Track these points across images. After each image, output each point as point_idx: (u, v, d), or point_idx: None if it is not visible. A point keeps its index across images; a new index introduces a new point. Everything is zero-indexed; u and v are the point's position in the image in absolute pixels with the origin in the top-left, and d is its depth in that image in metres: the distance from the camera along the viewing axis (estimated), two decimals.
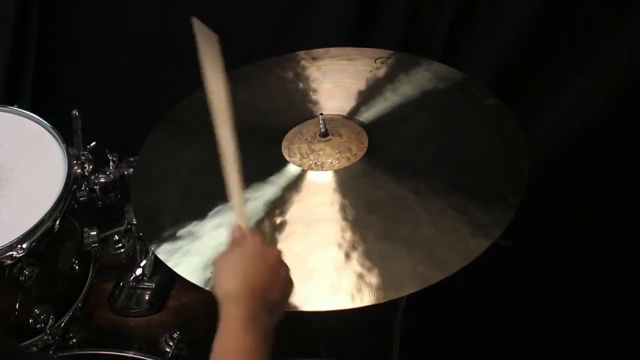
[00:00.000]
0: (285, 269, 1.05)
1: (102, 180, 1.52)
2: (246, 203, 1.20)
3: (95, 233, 1.50)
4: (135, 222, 1.54)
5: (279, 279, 1.03)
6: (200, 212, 1.29)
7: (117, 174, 1.53)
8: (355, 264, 1.16)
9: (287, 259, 1.18)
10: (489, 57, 1.80)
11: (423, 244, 1.18)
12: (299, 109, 1.47)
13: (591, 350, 1.84)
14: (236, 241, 1.06)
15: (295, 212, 1.26)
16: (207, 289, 1.18)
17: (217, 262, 1.03)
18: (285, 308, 1.05)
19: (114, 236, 1.69)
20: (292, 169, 1.33)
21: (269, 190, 1.30)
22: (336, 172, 1.32)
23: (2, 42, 1.95)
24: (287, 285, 1.05)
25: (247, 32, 1.95)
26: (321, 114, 1.37)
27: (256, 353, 0.92)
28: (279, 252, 1.05)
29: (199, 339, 1.54)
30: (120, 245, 1.69)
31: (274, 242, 1.20)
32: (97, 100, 2.01)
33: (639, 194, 1.79)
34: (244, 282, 0.98)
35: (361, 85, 1.50)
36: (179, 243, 1.25)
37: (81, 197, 1.49)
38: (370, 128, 1.39)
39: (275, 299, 1.00)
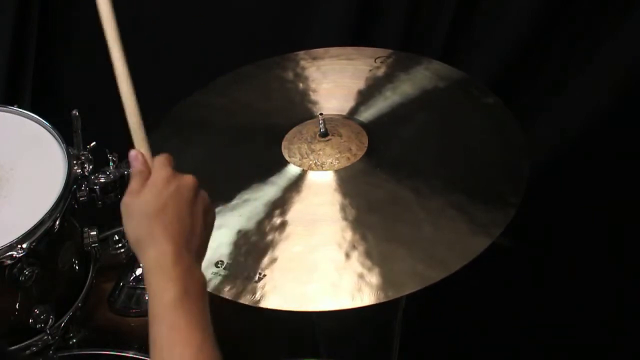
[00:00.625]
0: (203, 200, 0.91)
1: (102, 180, 1.51)
2: (241, 200, 1.19)
3: (95, 233, 1.50)
4: None
5: (199, 216, 0.90)
6: None
7: (117, 174, 1.53)
8: (356, 264, 1.16)
9: (288, 259, 1.19)
10: (489, 57, 1.80)
11: (423, 243, 1.18)
12: (299, 109, 1.47)
13: (591, 350, 1.84)
14: (141, 175, 0.92)
15: (296, 212, 1.26)
16: (207, 289, 1.17)
17: (124, 211, 0.89)
18: (207, 243, 0.92)
19: (114, 236, 1.69)
20: (292, 169, 1.33)
21: (269, 191, 1.30)
22: (336, 172, 1.32)
23: (2, 42, 1.95)
24: (208, 219, 0.92)
25: (247, 32, 1.95)
26: (321, 114, 1.37)
27: (203, 335, 0.83)
28: (193, 181, 0.91)
29: None
30: (120, 245, 1.69)
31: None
32: (97, 100, 2.01)
33: (639, 194, 1.79)
34: (165, 239, 0.85)
35: (361, 84, 1.50)
36: None
37: (81, 197, 1.49)
38: (370, 128, 1.39)
39: (200, 242, 0.89)
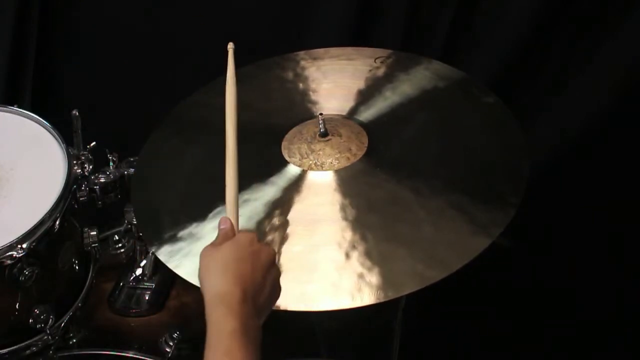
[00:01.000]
0: (277, 270, 1.01)
1: (102, 180, 1.52)
2: (241, 200, 1.20)
3: (95, 233, 1.50)
4: (135, 222, 1.54)
5: (270, 281, 0.99)
6: (200, 213, 1.28)
7: (117, 174, 1.53)
8: (356, 264, 1.16)
9: (288, 259, 1.19)
10: (489, 57, 1.80)
11: (423, 243, 1.18)
12: (299, 109, 1.47)
13: (591, 350, 1.84)
14: (225, 234, 1.01)
15: (296, 212, 1.26)
16: None
17: (204, 255, 0.98)
18: (269, 312, 1.00)
19: (114, 236, 1.69)
20: (292, 169, 1.33)
21: (269, 191, 1.30)
22: (336, 172, 1.32)
23: (2, 42, 1.95)
24: (276, 288, 1.01)
25: (247, 32, 1.95)
26: (321, 114, 1.37)
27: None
28: (273, 252, 1.02)
29: (199, 339, 1.54)
30: (120, 245, 1.69)
31: (267, 242, 1.18)
32: (97, 100, 2.01)
33: (639, 194, 1.79)
34: (235, 284, 0.93)
35: (361, 85, 1.50)
36: (180, 244, 1.25)
37: (81, 197, 1.49)
38: (370, 128, 1.39)
39: (265, 302, 0.97)
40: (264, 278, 0.97)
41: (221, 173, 1.37)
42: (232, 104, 1.17)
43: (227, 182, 1.09)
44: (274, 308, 1.09)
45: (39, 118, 1.52)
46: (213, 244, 1.00)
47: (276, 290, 1.00)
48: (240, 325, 0.89)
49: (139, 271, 1.62)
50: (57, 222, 1.37)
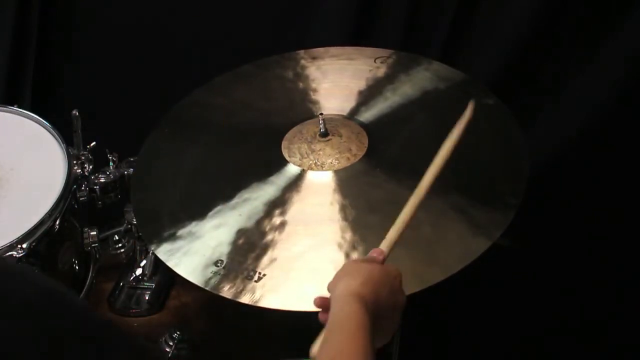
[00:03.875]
0: (403, 299, 1.01)
1: (102, 180, 1.52)
2: (240, 199, 1.22)
3: (95, 233, 1.50)
4: (135, 222, 1.54)
5: (394, 320, 1.00)
6: (200, 212, 1.29)
7: (117, 174, 1.53)
8: None
9: (288, 259, 1.19)
10: (489, 57, 1.80)
11: (423, 244, 1.18)
12: (299, 109, 1.47)
13: (592, 350, 1.84)
14: (372, 258, 1.03)
15: (296, 212, 1.26)
16: (207, 289, 1.18)
17: (350, 263, 1.04)
18: (385, 337, 1.00)
19: (114, 236, 1.69)
20: (292, 169, 1.33)
21: (269, 190, 1.30)
22: (336, 172, 1.32)
23: (2, 42, 1.95)
24: (398, 314, 1.01)
25: (247, 32, 1.95)
26: (321, 114, 1.37)
27: (370, 355, 0.87)
28: (405, 300, 1.02)
29: (199, 339, 1.54)
30: (120, 245, 1.69)
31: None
32: (97, 100, 2.01)
33: (639, 194, 1.79)
34: (372, 291, 0.94)
35: (361, 85, 1.50)
36: (179, 243, 1.25)
37: (81, 197, 1.49)
38: (370, 128, 1.39)
39: (382, 332, 0.97)
40: (392, 311, 0.98)
41: (221, 173, 1.38)
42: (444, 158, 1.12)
43: (398, 220, 1.07)
44: (274, 308, 1.09)
45: (39, 118, 1.52)
46: (358, 260, 1.05)
47: (397, 316, 1.01)
48: (369, 318, 0.90)
49: (139, 271, 1.62)
50: (57, 222, 1.37)
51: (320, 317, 0.98)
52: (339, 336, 0.89)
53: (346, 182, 1.30)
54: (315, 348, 0.94)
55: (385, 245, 1.05)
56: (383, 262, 1.03)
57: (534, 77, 1.81)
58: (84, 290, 1.50)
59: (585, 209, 1.82)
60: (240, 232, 1.25)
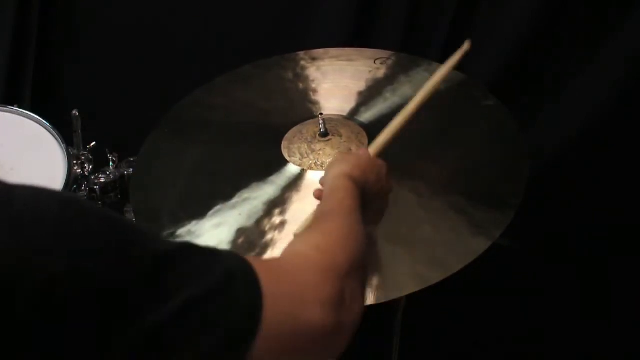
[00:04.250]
0: (390, 186, 1.09)
1: (102, 180, 1.52)
2: (240, 199, 1.23)
3: None
4: (135, 222, 1.54)
5: (384, 191, 1.08)
6: (200, 211, 1.29)
7: (117, 174, 1.53)
8: None
9: None
10: (489, 58, 1.80)
11: (423, 244, 1.18)
12: (299, 109, 1.47)
13: (592, 351, 1.84)
14: (358, 153, 1.10)
15: (295, 211, 1.26)
16: None
17: (338, 154, 1.11)
18: (374, 219, 1.09)
19: None
20: (292, 169, 1.33)
21: (269, 190, 1.30)
22: None
23: (2, 42, 1.95)
24: (386, 198, 1.10)
25: (247, 32, 1.95)
26: (321, 114, 1.37)
27: (357, 214, 0.91)
28: (385, 167, 1.09)
29: None
30: None
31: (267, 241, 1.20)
32: (97, 100, 2.01)
33: (639, 194, 1.79)
34: (361, 175, 1.00)
35: (361, 85, 1.50)
36: None
37: (81, 197, 1.49)
38: (370, 128, 1.39)
39: (375, 204, 1.04)
40: (380, 196, 1.07)
41: (221, 172, 1.38)
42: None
43: (390, 126, 1.14)
44: None
45: (39, 118, 1.52)
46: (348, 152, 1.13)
47: (380, 215, 1.11)
48: (356, 185, 0.96)
49: None
50: None
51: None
52: (329, 201, 0.93)
53: None
54: (298, 229, 1.02)
55: (372, 147, 1.12)
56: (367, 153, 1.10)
57: (534, 77, 1.81)
58: None
59: (585, 209, 1.82)
60: (240, 232, 1.25)
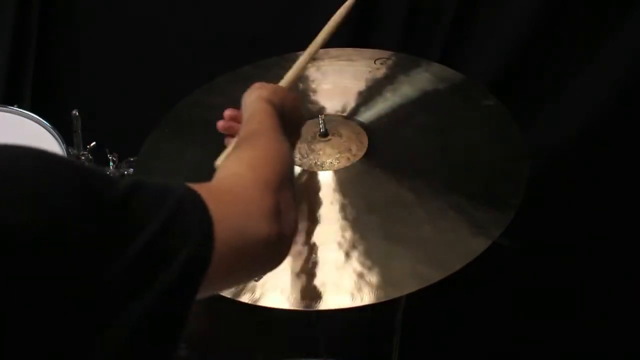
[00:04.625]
0: (303, 115, 1.17)
1: None
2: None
3: None
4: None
5: (299, 121, 1.14)
6: None
7: (117, 174, 1.53)
8: (356, 263, 1.16)
9: (288, 258, 1.19)
10: (488, 58, 1.80)
11: (423, 243, 1.18)
12: None
13: (592, 351, 1.84)
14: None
15: None
16: None
17: (255, 84, 1.10)
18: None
19: None
20: None
21: None
22: (336, 172, 1.32)
23: (2, 42, 1.95)
24: (299, 128, 1.15)
25: (247, 32, 1.95)
26: (321, 114, 1.37)
27: (279, 133, 0.96)
28: (299, 99, 1.16)
29: (199, 339, 1.54)
30: None
31: None
32: (97, 100, 2.02)
33: (639, 194, 1.79)
34: (279, 101, 1.04)
35: (361, 85, 1.50)
36: None
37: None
38: (370, 128, 1.39)
39: (290, 131, 1.06)
40: (296, 124, 1.11)
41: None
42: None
43: (297, 62, 1.23)
44: (274, 307, 1.09)
45: (39, 118, 1.52)
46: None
47: (294, 143, 1.15)
48: (275, 108, 1.01)
49: None
50: None
51: (226, 141, 1.10)
52: (251, 123, 0.97)
53: (346, 182, 1.30)
54: (220, 159, 1.05)
55: (284, 82, 1.19)
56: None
57: (534, 77, 1.81)
58: None
59: (586, 209, 1.82)
60: None
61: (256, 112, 0.99)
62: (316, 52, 1.24)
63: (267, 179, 0.82)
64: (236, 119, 1.09)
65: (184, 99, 1.55)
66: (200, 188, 0.72)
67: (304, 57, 1.23)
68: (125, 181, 0.67)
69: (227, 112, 1.11)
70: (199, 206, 0.70)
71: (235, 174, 0.83)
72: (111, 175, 0.69)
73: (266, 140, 0.92)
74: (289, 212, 0.81)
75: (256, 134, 0.94)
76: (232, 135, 1.09)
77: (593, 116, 1.75)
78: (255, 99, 1.03)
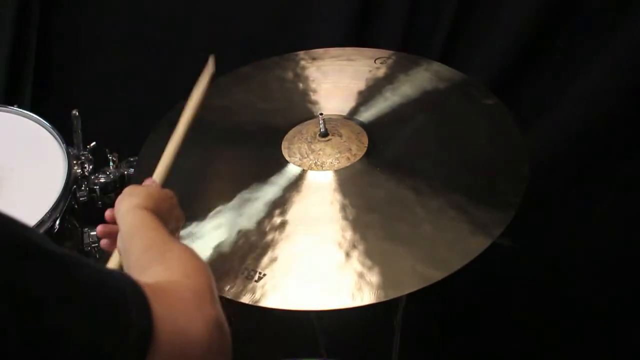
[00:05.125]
0: (181, 214, 1.11)
1: (102, 180, 1.52)
2: (241, 199, 1.24)
3: (95, 233, 1.49)
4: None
5: (177, 219, 1.10)
6: (200, 212, 1.29)
7: (117, 174, 1.53)
8: (356, 263, 1.16)
9: (288, 258, 1.19)
10: (489, 58, 1.80)
11: (423, 243, 1.18)
12: (299, 109, 1.47)
13: (592, 351, 1.84)
14: (146, 185, 1.12)
15: (296, 212, 1.26)
16: None
17: (126, 188, 1.09)
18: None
19: None
20: (292, 169, 1.33)
21: (269, 191, 1.30)
22: (336, 172, 1.32)
23: (2, 42, 1.95)
24: (179, 226, 1.12)
25: (247, 32, 1.95)
26: (321, 114, 1.37)
27: (162, 230, 0.95)
28: (175, 197, 1.11)
29: None
30: None
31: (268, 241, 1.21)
32: (97, 100, 2.01)
33: (639, 194, 1.79)
34: (153, 205, 1.02)
35: (361, 85, 1.50)
36: None
37: (81, 197, 1.49)
38: (370, 128, 1.39)
39: (170, 226, 1.04)
40: (174, 223, 1.08)
41: (221, 173, 1.38)
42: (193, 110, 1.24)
43: (166, 151, 1.18)
44: (274, 307, 1.09)
45: (39, 118, 1.52)
46: (136, 185, 1.13)
47: (178, 223, 1.11)
48: (159, 221, 0.98)
49: None
50: (57, 222, 1.37)
51: (103, 244, 1.10)
52: (139, 237, 0.94)
53: (346, 182, 1.30)
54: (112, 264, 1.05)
55: (156, 176, 1.15)
56: (154, 185, 1.12)
57: (534, 77, 1.81)
58: None
59: (585, 209, 1.82)
60: (241, 233, 1.25)
61: (138, 224, 0.97)
62: (186, 134, 1.20)
63: (203, 287, 0.80)
64: (111, 226, 1.07)
65: (184, 99, 1.55)
66: (145, 285, 0.71)
67: (172, 145, 1.19)
68: (66, 269, 0.65)
69: (108, 213, 1.07)
70: (141, 302, 0.68)
71: (173, 281, 0.80)
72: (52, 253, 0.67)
73: (177, 251, 0.89)
74: (225, 323, 0.79)
75: (162, 246, 0.91)
76: (110, 239, 1.07)
77: (593, 115, 1.75)
78: (130, 208, 1.00)
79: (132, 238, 0.95)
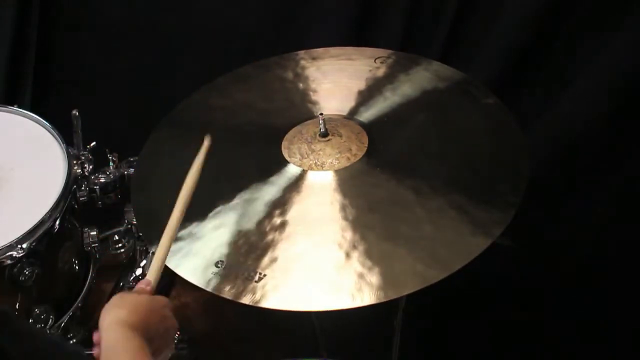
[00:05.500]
0: (174, 323, 1.06)
1: (102, 180, 1.52)
2: (241, 199, 1.23)
3: (95, 233, 1.50)
4: (135, 222, 1.54)
5: (169, 331, 1.05)
6: (200, 212, 1.29)
7: (117, 174, 1.54)
8: (356, 264, 1.16)
9: (288, 259, 1.19)
10: (489, 57, 1.80)
11: (423, 243, 1.18)
12: (299, 109, 1.47)
13: (592, 351, 1.84)
14: (140, 290, 1.07)
15: (296, 212, 1.26)
16: (207, 289, 1.18)
17: (115, 296, 1.04)
18: (162, 357, 1.05)
19: (114, 236, 1.68)
20: (292, 169, 1.33)
21: (269, 191, 1.30)
22: (336, 172, 1.32)
23: (2, 42, 1.95)
24: (171, 337, 1.07)
25: (247, 32, 1.95)
26: (321, 114, 1.37)
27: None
28: (177, 327, 1.07)
29: (199, 339, 1.54)
30: (120, 245, 1.69)
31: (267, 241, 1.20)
32: (97, 100, 2.01)
33: (639, 194, 1.79)
34: (141, 319, 0.98)
35: (361, 85, 1.50)
36: (180, 244, 1.25)
37: (81, 197, 1.49)
38: (370, 128, 1.39)
39: (159, 344, 1.01)
40: (165, 336, 1.03)
41: (221, 173, 1.38)
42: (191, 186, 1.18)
43: (160, 246, 1.11)
44: (274, 308, 1.09)
45: (39, 118, 1.52)
46: (126, 292, 1.08)
47: (168, 351, 1.06)
48: (142, 343, 0.95)
49: (139, 271, 1.62)
50: (57, 222, 1.37)
51: (95, 353, 1.00)
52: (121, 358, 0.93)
53: (346, 182, 1.30)
54: None
55: (151, 275, 1.08)
56: (152, 292, 1.06)
57: (534, 77, 1.81)
58: (84, 290, 1.50)
59: (586, 209, 1.82)
60: (241, 233, 1.25)
61: (119, 347, 0.94)
62: (180, 220, 1.14)
63: None
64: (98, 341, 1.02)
65: (184, 99, 1.55)
66: None
67: (166, 236, 1.12)
68: None
69: (95, 338, 1.01)
70: None
71: None
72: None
73: None
74: None
75: None
76: None
77: (593, 115, 1.75)
78: (112, 323, 0.96)
79: (111, 357, 0.93)
